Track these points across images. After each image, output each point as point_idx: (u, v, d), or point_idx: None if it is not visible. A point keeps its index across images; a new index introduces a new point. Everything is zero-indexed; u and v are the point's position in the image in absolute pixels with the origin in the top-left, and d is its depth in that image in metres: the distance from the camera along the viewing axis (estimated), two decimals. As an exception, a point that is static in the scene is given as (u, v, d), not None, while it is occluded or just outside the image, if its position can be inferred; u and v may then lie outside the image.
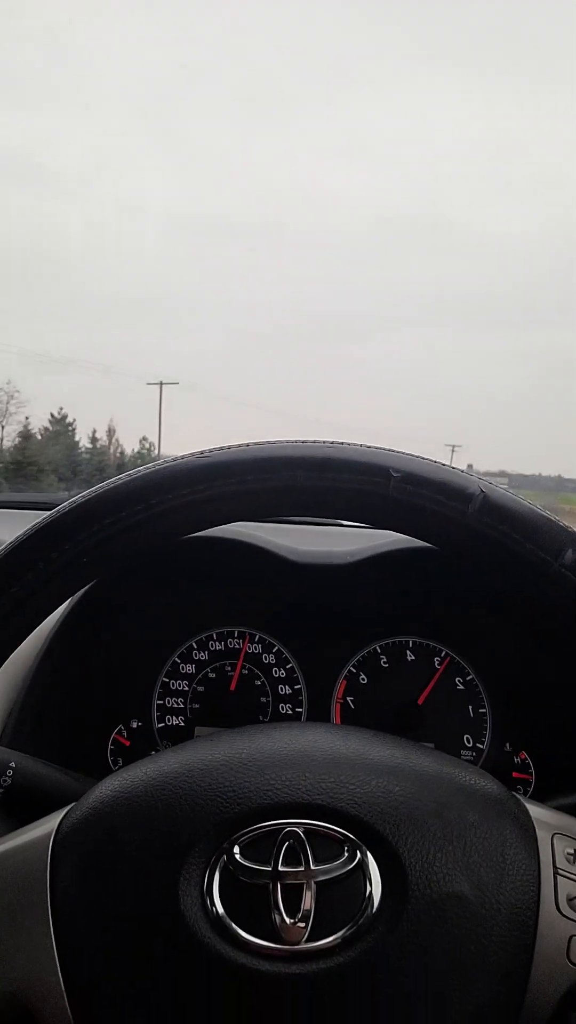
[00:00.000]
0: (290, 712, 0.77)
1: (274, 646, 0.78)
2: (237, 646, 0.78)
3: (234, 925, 0.33)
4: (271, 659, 0.78)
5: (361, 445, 0.43)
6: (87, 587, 0.72)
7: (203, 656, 0.78)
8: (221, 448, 0.43)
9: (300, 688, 0.77)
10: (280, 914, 0.33)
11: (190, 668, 0.78)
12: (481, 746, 0.75)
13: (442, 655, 0.77)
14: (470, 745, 0.75)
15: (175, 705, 0.77)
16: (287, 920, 0.33)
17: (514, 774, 0.74)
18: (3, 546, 0.42)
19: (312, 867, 0.34)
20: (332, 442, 0.43)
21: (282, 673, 0.77)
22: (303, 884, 0.34)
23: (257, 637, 0.78)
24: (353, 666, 0.77)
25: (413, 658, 0.77)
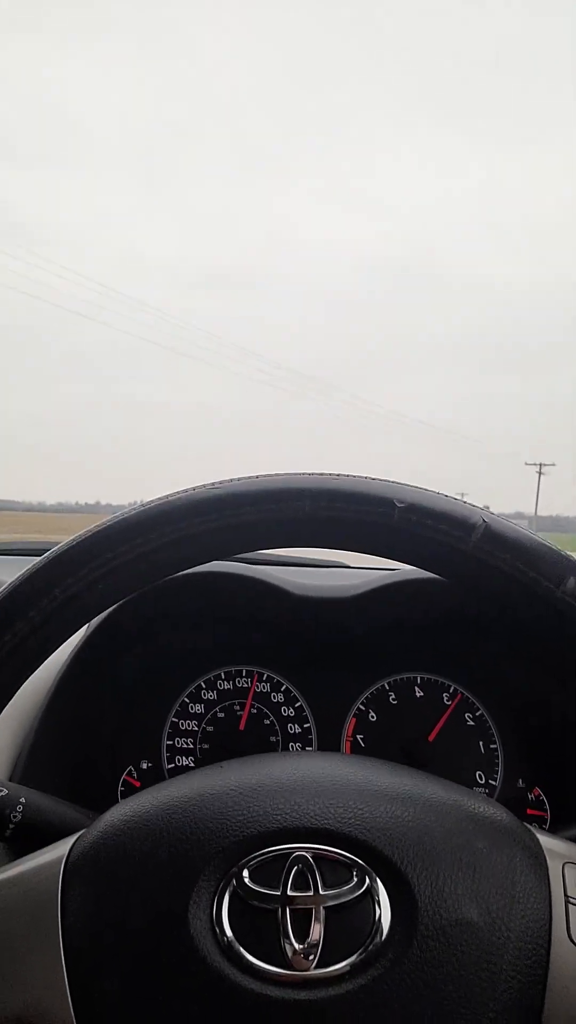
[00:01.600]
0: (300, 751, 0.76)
1: (282, 684, 0.78)
2: (245, 685, 0.78)
3: (243, 951, 0.33)
4: (280, 697, 0.78)
5: (365, 477, 0.44)
6: (94, 627, 0.73)
7: (212, 696, 0.78)
8: (230, 480, 0.44)
9: (310, 726, 0.76)
10: (289, 940, 0.33)
11: (199, 708, 0.78)
12: (494, 782, 0.74)
13: (451, 691, 0.77)
14: (483, 781, 0.74)
15: (185, 745, 0.76)
16: (296, 946, 0.33)
17: (528, 811, 0.72)
18: (13, 579, 0.43)
19: (321, 892, 0.34)
20: (337, 474, 0.44)
21: (291, 712, 0.77)
22: (312, 909, 0.33)
23: (265, 676, 0.78)
24: (362, 703, 0.77)
25: (422, 694, 0.77)
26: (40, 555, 0.44)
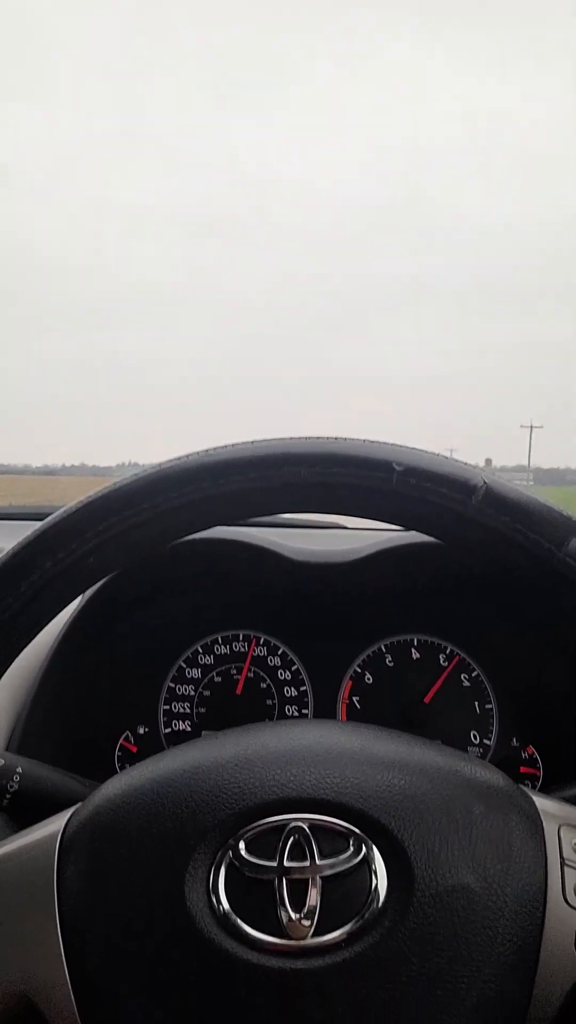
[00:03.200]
0: (296, 714, 0.77)
1: (279, 648, 0.78)
2: (242, 649, 0.78)
3: (240, 921, 0.33)
4: (276, 661, 0.78)
5: (363, 440, 0.43)
6: (91, 593, 0.73)
7: (208, 660, 0.78)
8: (224, 446, 0.43)
9: (306, 689, 0.77)
10: (286, 909, 0.33)
11: (196, 673, 0.78)
12: (488, 742, 0.74)
13: (447, 652, 0.77)
14: (477, 741, 0.74)
15: (182, 710, 0.77)
16: (293, 915, 0.33)
17: (521, 769, 0.73)
18: (11, 547, 0.42)
19: (318, 862, 0.34)
20: (335, 438, 0.43)
21: (287, 675, 0.77)
22: (309, 879, 0.34)
23: (262, 640, 0.78)
24: (358, 666, 0.77)
25: (418, 656, 0.77)
26: (33, 519, 0.43)
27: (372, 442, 0.43)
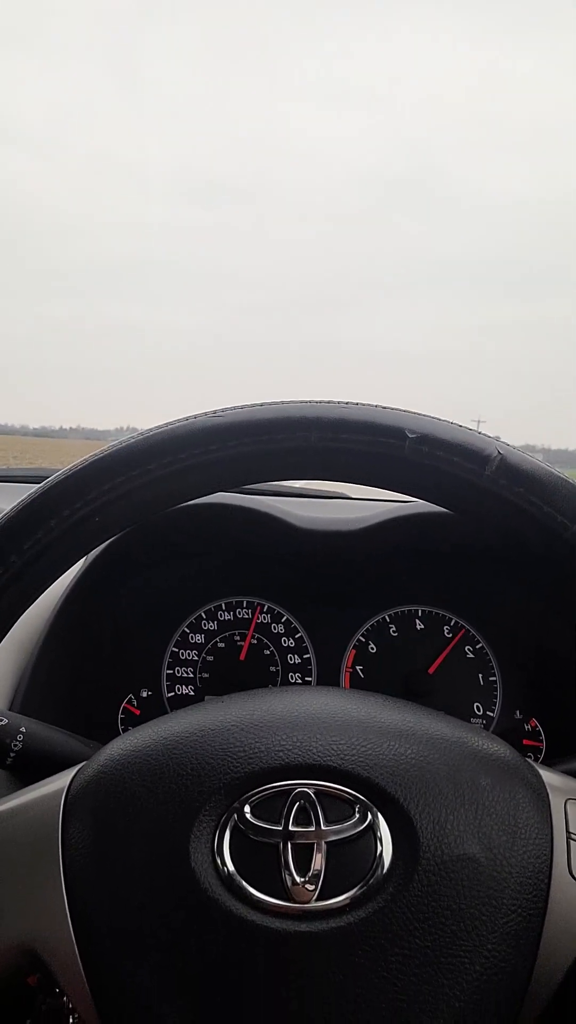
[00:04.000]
0: (300, 681, 0.77)
1: (283, 615, 0.78)
2: (246, 616, 0.78)
3: (244, 883, 0.33)
4: (280, 628, 0.78)
5: (376, 406, 0.42)
6: (95, 556, 0.72)
7: (212, 626, 0.78)
8: (234, 408, 0.42)
9: (309, 657, 0.77)
10: (291, 873, 0.33)
11: (199, 638, 0.78)
12: (491, 714, 0.75)
13: (452, 623, 0.77)
14: (480, 713, 0.75)
15: (185, 675, 0.77)
16: (297, 879, 0.33)
17: (524, 741, 0.74)
18: (13, 505, 0.42)
19: (323, 827, 0.34)
20: (346, 402, 0.42)
21: (291, 642, 0.77)
22: (313, 844, 0.34)
23: (266, 607, 0.78)
24: (362, 635, 0.77)
25: (422, 627, 0.77)
26: (31, 482, 0.42)
27: (385, 408, 0.42)
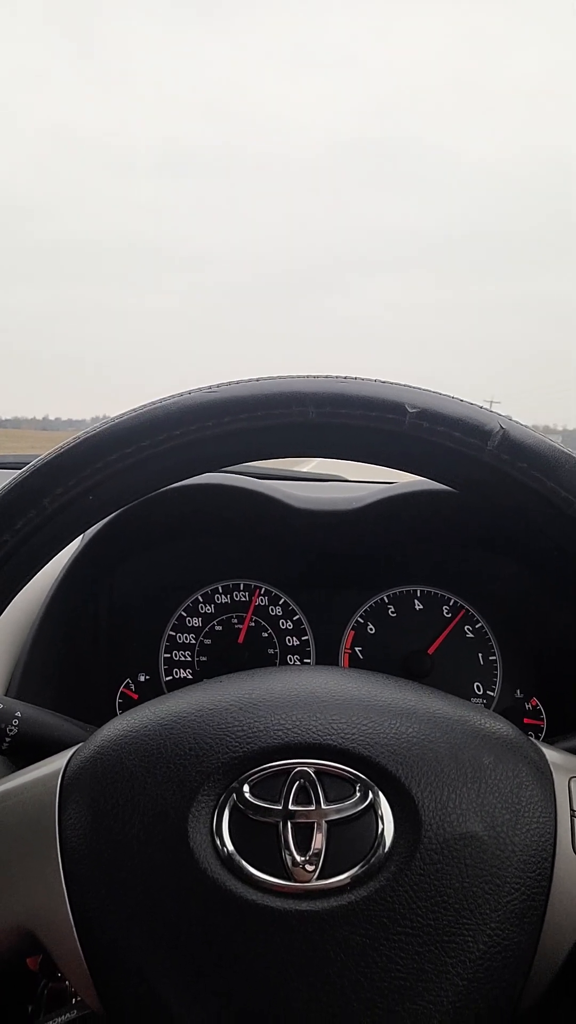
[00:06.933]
0: (298, 663, 0.77)
1: (280, 597, 0.78)
2: (243, 598, 0.78)
3: (244, 862, 0.33)
4: (278, 611, 0.78)
5: (375, 380, 0.41)
6: (90, 537, 0.72)
7: (210, 609, 0.78)
8: (229, 383, 0.41)
9: (308, 639, 0.77)
10: (291, 852, 0.33)
11: (197, 621, 0.77)
12: (492, 693, 0.74)
13: (451, 603, 0.76)
14: (480, 692, 0.74)
15: (183, 658, 0.77)
16: (298, 858, 0.33)
17: (525, 720, 0.74)
18: (4, 484, 0.41)
19: (323, 806, 0.34)
20: (344, 377, 0.41)
21: (289, 624, 0.77)
22: (314, 823, 0.33)
23: (264, 589, 0.78)
24: (361, 616, 0.77)
25: (421, 607, 0.77)
26: (15, 468, 0.41)
27: (384, 383, 0.41)
